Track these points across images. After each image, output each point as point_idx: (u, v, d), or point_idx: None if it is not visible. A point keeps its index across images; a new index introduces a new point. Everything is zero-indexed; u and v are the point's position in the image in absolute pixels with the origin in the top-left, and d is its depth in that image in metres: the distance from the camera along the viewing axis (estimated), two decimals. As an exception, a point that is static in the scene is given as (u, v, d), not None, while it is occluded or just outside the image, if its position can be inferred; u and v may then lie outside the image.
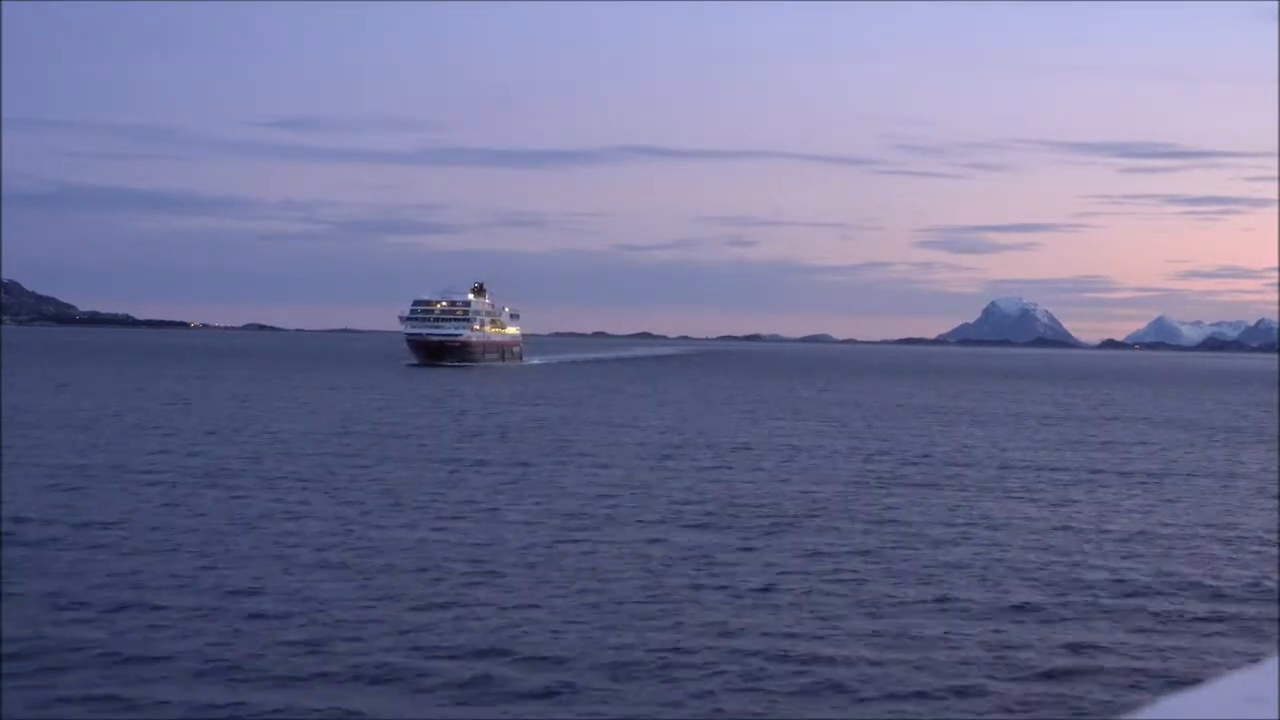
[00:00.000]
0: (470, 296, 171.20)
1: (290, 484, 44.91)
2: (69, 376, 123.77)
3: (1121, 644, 24.46)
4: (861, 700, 20.82)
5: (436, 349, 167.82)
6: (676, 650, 23.15)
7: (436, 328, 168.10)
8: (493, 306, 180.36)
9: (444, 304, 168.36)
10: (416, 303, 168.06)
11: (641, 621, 25.31)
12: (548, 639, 23.87)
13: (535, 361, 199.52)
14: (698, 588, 28.60)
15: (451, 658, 22.61)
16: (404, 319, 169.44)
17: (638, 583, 29.01)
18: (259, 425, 69.91)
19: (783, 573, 30.28)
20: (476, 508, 40.30)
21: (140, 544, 32.47)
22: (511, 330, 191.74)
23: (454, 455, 56.26)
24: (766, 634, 24.56)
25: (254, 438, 62.32)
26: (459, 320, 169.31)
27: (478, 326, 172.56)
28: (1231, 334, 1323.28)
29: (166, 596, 26.68)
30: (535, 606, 26.44)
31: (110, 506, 38.73)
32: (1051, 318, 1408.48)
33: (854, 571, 30.84)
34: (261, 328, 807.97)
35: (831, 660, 22.89)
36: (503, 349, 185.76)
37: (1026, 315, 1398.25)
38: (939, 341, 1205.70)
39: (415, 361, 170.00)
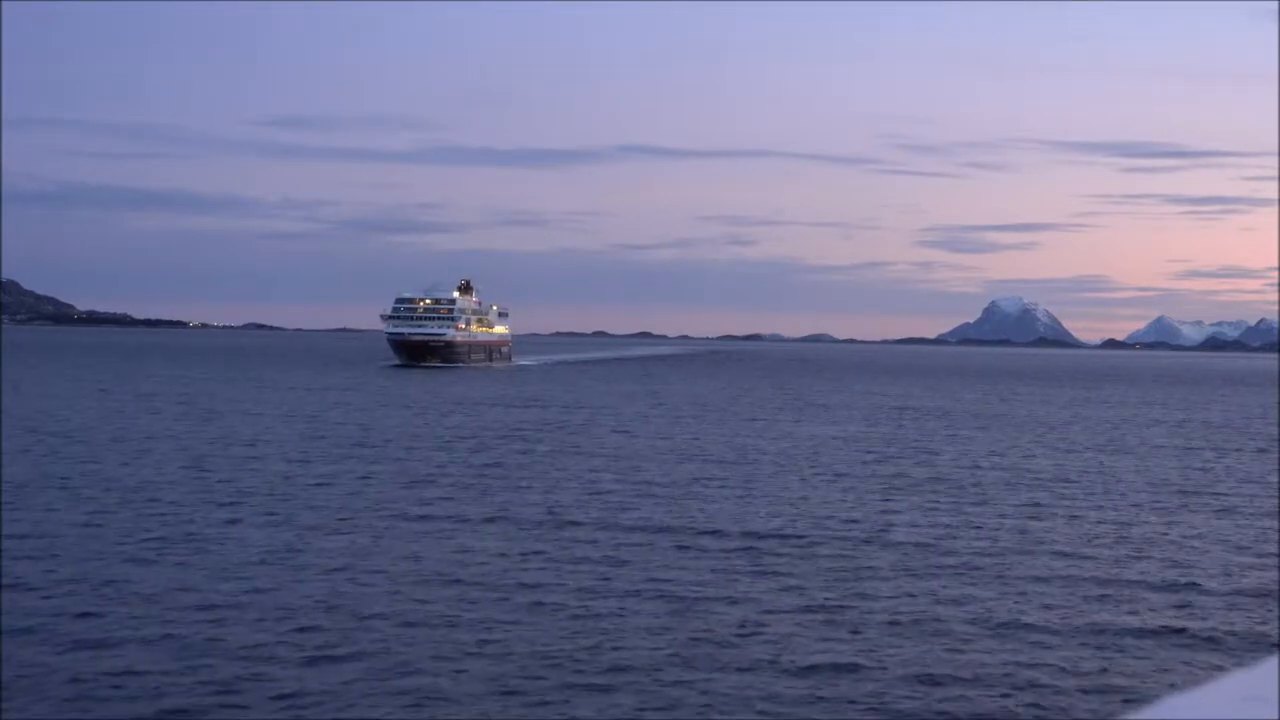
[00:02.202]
0: (455, 294, 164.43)
1: (212, 497, 40.52)
2: (43, 377, 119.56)
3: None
4: (869, 703, 20.73)
5: (419, 349, 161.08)
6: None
7: (419, 327, 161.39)
8: (479, 305, 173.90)
9: (428, 302, 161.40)
10: (399, 300, 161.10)
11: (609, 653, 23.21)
12: (499, 673, 21.73)
13: (526, 362, 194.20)
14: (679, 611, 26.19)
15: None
16: (385, 317, 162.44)
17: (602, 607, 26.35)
18: (198, 431, 65.84)
19: (768, 605, 26.70)
20: (433, 524, 36.56)
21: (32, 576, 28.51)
22: (500, 329, 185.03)
23: (397, 464, 52.02)
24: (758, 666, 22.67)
25: (183, 446, 57.95)
26: (443, 319, 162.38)
27: (463, 326, 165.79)
28: (1232, 334, 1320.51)
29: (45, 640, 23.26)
30: (496, 637, 22.89)
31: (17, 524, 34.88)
32: (1052, 317, 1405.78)
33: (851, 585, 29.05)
34: (261, 327, 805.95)
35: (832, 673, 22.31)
36: (490, 349, 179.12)
37: (1027, 315, 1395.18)
38: (939, 341, 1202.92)
39: (397, 362, 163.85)
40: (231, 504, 39.98)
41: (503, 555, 32.03)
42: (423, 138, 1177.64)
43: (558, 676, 21.56)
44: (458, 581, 28.76)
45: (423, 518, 37.79)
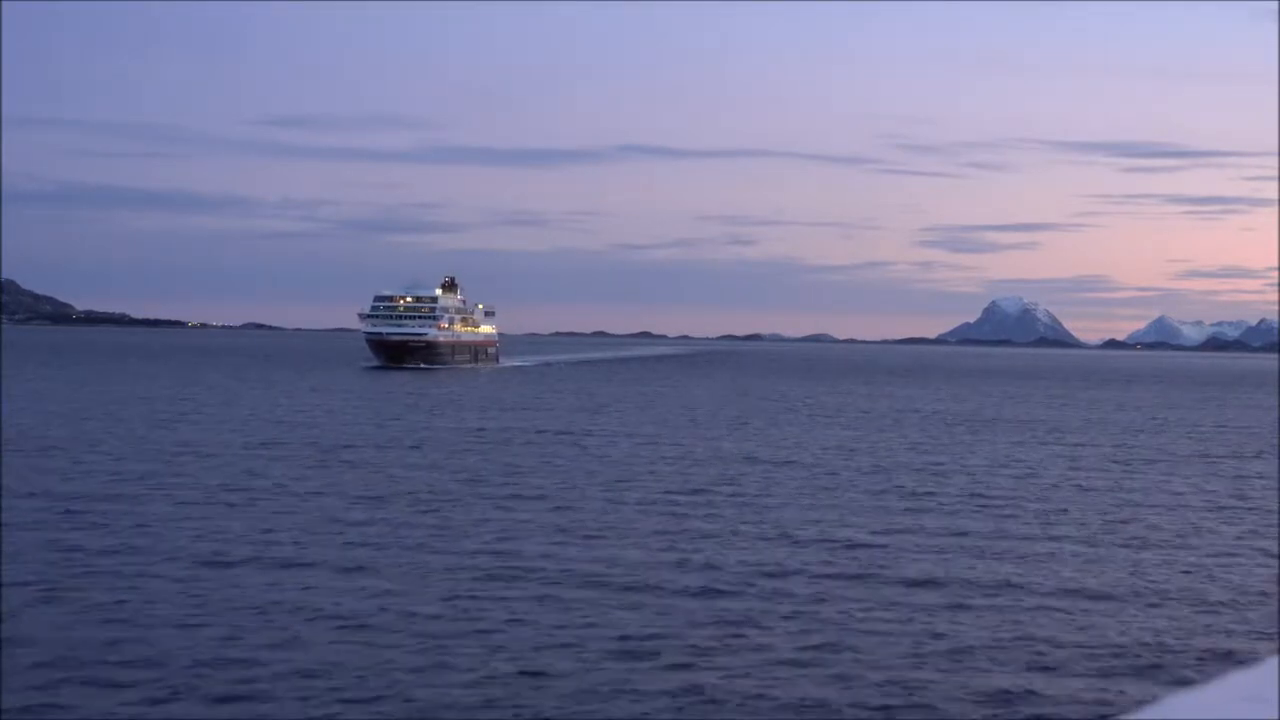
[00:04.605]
0: (438, 292, 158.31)
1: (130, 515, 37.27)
2: (21, 377, 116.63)
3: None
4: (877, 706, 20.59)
5: (398, 349, 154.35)
6: None
7: (399, 326, 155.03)
8: (464, 304, 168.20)
9: (408, 300, 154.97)
10: (378, 299, 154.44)
11: None
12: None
13: (514, 363, 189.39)
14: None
15: None
16: (364, 316, 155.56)
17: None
18: (148, 436, 62.53)
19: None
20: (370, 547, 33.05)
21: None
22: (486, 329, 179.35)
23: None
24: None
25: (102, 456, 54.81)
26: (424, 318, 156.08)
27: (446, 325, 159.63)
28: (1233, 334, 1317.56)
29: None
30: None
31: None
32: (1052, 317, 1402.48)
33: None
34: (260, 327, 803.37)
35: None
36: (476, 350, 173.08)
37: (1027, 315, 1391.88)
38: (940, 341, 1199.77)
39: (376, 363, 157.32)
40: (152, 523, 36.86)
41: (450, 586, 28.67)
42: (423, 138, 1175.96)
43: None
44: (386, 624, 25.51)
45: (361, 543, 34.22)
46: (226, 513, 38.73)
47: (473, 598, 27.65)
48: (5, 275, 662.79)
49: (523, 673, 22.09)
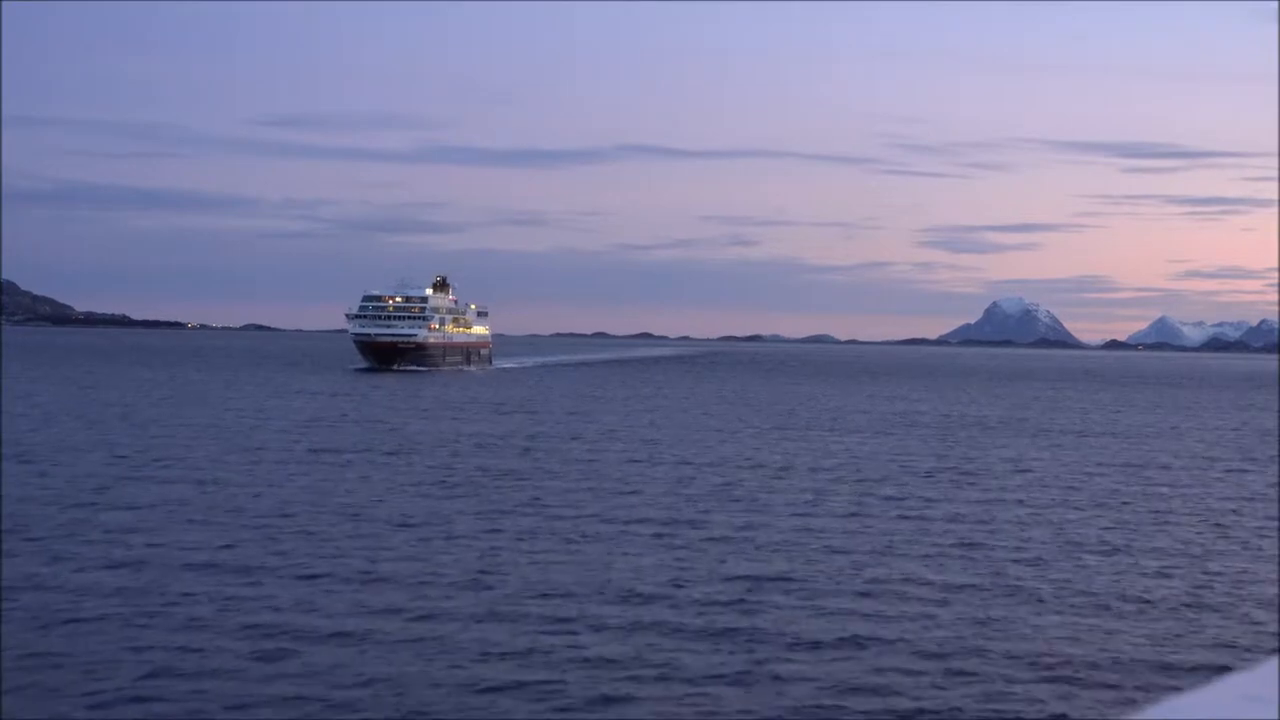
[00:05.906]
0: (428, 292, 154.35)
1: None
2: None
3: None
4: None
5: (387, 352, 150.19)
6: None
7: (388, 327, 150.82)
8: (455, 303, 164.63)
9: (398, 300, 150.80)
10: (366, 298, 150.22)
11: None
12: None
13: (509, 365, 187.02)
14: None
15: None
16: (351, 316, 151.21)
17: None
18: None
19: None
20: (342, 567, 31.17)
21: None
22: (479, 330, 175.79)
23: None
24: None
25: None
26: (414, 319, 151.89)
27: (436, 326, 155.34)
28: (1233, 334, 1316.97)
29: None
30: None
31: None
32: (1053, 318, 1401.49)
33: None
34: (260, 328, 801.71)
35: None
36: (468, 351, 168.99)
37: (1028, 315, 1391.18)
38: (941, 342, 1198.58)
39: (364, 365, 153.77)
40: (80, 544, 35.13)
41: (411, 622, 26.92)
42: (423, 138, 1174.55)
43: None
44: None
45: (322, 555, 32.47)
46: (185, 523, 36.99)
47: (443, 612, 26.15)
48: (5, 276, 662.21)
49: (494, 688, 20.72)
